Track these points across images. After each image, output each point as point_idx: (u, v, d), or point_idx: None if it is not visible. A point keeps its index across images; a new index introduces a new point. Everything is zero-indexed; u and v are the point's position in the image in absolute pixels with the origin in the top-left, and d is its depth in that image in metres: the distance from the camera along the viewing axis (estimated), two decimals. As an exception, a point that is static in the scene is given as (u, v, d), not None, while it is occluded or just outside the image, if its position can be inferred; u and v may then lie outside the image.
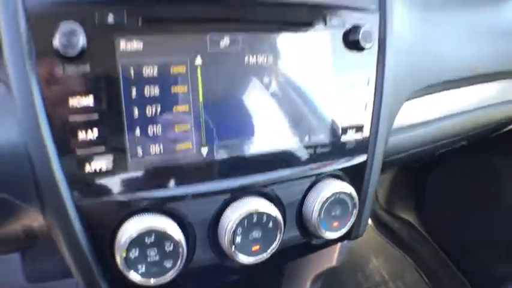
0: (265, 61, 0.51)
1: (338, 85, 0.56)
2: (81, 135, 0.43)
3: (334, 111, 0.56)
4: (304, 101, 0.54)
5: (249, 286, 0.75)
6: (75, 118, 0.43)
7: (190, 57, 0.47)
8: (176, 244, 0.47)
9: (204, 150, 0.49)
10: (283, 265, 0.74)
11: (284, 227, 0.54)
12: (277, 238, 0.54)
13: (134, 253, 0.46)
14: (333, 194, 0.56)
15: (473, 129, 0.88)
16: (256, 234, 0.52)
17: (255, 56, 0.50)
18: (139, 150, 0.46)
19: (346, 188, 0.57)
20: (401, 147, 0.72)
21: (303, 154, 0.55)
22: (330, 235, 0.58)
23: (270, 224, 0.52)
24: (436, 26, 0.72)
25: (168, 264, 0.48)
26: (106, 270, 0.49)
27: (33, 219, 0.48)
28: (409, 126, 0.72)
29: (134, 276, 0.47)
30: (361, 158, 0.60)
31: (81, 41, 0.41)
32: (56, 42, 0.40)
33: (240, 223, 0.50)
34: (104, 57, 0.43)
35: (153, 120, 0.46)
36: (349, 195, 0.57)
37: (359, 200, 0.60)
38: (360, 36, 0.54)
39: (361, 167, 0.60)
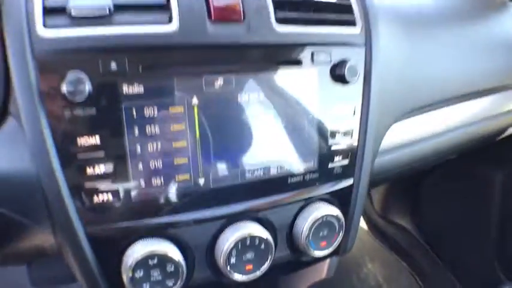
0: (257, 98, 0.55)
1: (325, 116, 0.60)
2: (89, 170, 0.48)
3: (322, 140, 0.60)
4: (294, 132, 0.58)
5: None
6: (83, 155, 0.47)
7: (187, 97, 0.51)
8: (177, 265, 0.52)
9: (201, 181, 0.54)
10: (275, 280, 0.79)
11: (275, 248, 0.59)
12: (269, 258, 0.58)
13: (139, 273, 0.51)
14: (320, 217, 0.60)
15: (462, 145, 0.91)
16: (249, 255, 0.56)
17: (247, 93, 0.54)
18: (142, 182, 0.51)
19: (333, 211, 0.61)
20: (389, 167, 0.76)
21: (293, 181, 0.59)
22: (318, 253, 0.62)
23: (262, 246, 0.57)
24: (423, 50, 0.75)
25: (169, 283, 0.53)
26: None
27: (45, 239, 0.53)
28: (396, 147, 0.75)
29: None
30: (347, 182, 0.64)
31: (87, 87, 0.45)
32: (64, 88, 0.44)
33: (235, 246, 0.55)
34: (109, 101, 0.47)
35: (154, 155, 0.50)
36: (336, 217, 0.62)
37: (346, 220, 0.64)
38: (346, 71, 0.58)
39: (347, 191, 0.64)
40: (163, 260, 0.51)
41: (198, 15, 0.50)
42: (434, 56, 0.77)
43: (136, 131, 0.49)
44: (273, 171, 0.58)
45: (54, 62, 0.45)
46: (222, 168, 0.54)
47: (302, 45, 0.57)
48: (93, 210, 0.49)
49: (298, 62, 0.57)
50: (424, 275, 1.39)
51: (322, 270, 0.75)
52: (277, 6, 0.55)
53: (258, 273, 0.58)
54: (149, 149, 0.50)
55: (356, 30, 0.61)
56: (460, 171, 1.29)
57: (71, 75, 0.44)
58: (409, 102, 0.73)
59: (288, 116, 0.57)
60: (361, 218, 1.60)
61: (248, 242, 0.55)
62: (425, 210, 1.42)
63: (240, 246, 0.55)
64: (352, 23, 0.61)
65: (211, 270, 0.58)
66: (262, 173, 0.57)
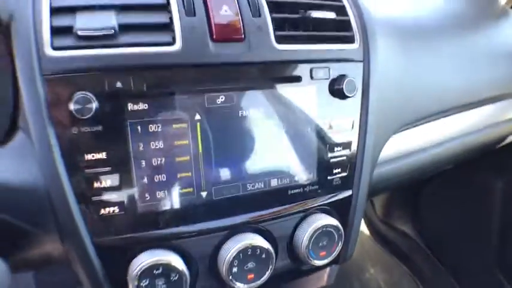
0: (258, 113, 0.57)
1: (325, 129, 0.62)
2: (96, 183, 0.50)
3: (322, 152, 0.62)
4: (294, 146, 0.60)
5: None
6: (90, 169, 0.50)
7: (190, 114, 0.53)
8: (180, 274, 0.54)
9: (204, 194, 0.56)
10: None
11: (276, 258, 0.61)
12: (270, 267, 0.60)
13: (145, 282, 0.52)
14: (320, 228, 0.62)
15: (461, 154, 0.92)
16: (251, 264, 0.58)
17: (248, 109, 0.56)
18: (147, 195, 0.53)
19: (333, 221, 0.63)
20: (388, 177, 0.77)
21: (293, 192, 0.61)
22: (318, 262, 0.64)
23: (263, 256, 0.58)
24: (421, 62, 0.76)
25: None
26: None
27: (53, 248, 0.55)
28: (395, 158, 0.76)
29: None
30: (346, 193, 0.66)
31: (94, 105, 0.47)
32: (72, 106, 0.47)
33: (237, 256, 0.57)
34: (114, 117, 0.50)
35: (158, 169, 0.52)
36: (335, 227, 0.63)
37: (345, 230, 0.65)
38: (344, 86, 0.60)
39: (346, 201, 0.66)
40: (168, 269, 0.53)
41: (201, 35, 0.52)
42: (432, 67, 0.78)
43: (141, 146, 0.51)
44: (274, 184, 0.60)
45: (61, 80, 0.47)
46: (224, 181, 0.56)
47: (301, 62, 0.58)
48: (100, 222, 0.51)
49: (297, 79, 0.58)
50: (425, 279, 1.40)
51: (323, 278, 0.76)
52: (277, 25, 0.57)
53: (260, 282, 0.60)
54: (153, 163, 0.52)
55: (354, 46, 0.63)
56: (460, 178, 1.30)
57: (78, 93, 0.47)
58: (407, 114, 0.74)
59: (288, 130, 0.59)
60: (363, 224, 1.62)
61: (249, 252, 0.57)
62: (427, 216, 1.43)
63: (241, 256, 0.57)
64: (350, 39, 0.63)
65: (214, 279, 0.60)
66: (263, 186, 0.59)
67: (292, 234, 0.63)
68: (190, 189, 0.55)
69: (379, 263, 1.44)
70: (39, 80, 0.47)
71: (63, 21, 0.49)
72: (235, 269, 0.57)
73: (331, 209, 0.65)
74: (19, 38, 0.47)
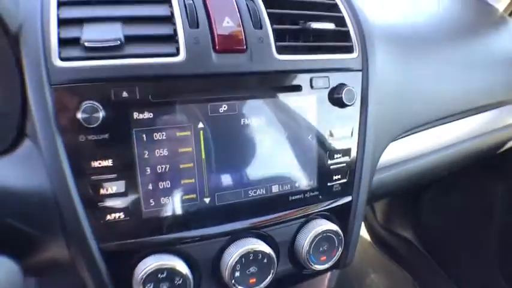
0: (259, 121, 0.58)
1: (324, 137, 0.63)
2: (102, 190, 0.52)
3: (322, 159, 0.63)
4: (294, 153, 0.61)
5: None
6: (96, 177, 0.51)
7: (193, 122, 0.54)
8: (184, 278, 0.55)
9: (207, 200, 0.57)
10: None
11: (277, 262, 0.62)
12: (271, 272, 0.61)
13: (149, 286, 0.54)
14: (320, 233, 0.63)
15: (460, 161, 0.93)
16: (252, 269, 0.59)
17: (250, 118, 0.58)
18: (152, 201, 0.54)
19: (333, 226, 0.64)
20: (388, 183, 0.78)
21: (294, 199, 0.63)
22: (319, 267, 0.65)
23: (265, 260, 0.60)
24: (420, 70, 0.77)
25: None
26: None
27: (59, 253, 0.56)
28: (394, 164, 0.78)
29: None
30: (346, 199, 0.67)
31: (101, 115, 0.49)
32: (79, 115, 0.48)
33: (239, 260, 0.58)
34: (120, 126, 0.51)
35: (162, 176, 0.54)
36: (336, 232, 0.64)
37: (345, 235, 0.66)
38: (344, 94, 0.61)
39: (346, 207, 0.67)
40: (172, 273, 0.54)
41: (204, 46, 0.54)
42: (430, 75, 0.79)
43: (146, 154, 0.53)
44: (275, 190, 0.61)
45: (69, 90, 0.49)
46: (226, 187, 0.58)
47: (301, 72, 0.60)
48: (106, 227, 0.53)
49: (298, 88, 0.60)
50: (426, 285, 1.40)
51: (324, 283, 0.77)
52: (278, 36, 0.59)
53: (261, 286, 0.61)
54: (158, 170, 0.54)
55: (353, 56, 0.64)
56: (461, 183, 1.31)
57: (86, 103, 0.48)
58: (405, 121, 0.75)
59: (289, 138, 0.60)
60: (365, 230, 1.62)
61: (251, 256, 0.58)
62: (428, 222, 1.44)
63: (244, 260, 0.58)
64: (349, 49, 0.65)
65: (217, 283, 0.61)
66: (264, 192, 0.60)
67: (293, 239, 0.64)
68: (194, 196, 0.56)
69: (380, 269, 1.44)
70: (47, 89, 0.48)
71: (70, 32, 0.50)
72: (237, 273, 0.58)
73: (331, 215, 0.66)
74: (28, 48, 0.49)
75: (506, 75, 0.92)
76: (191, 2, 0.56)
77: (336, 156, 0.64)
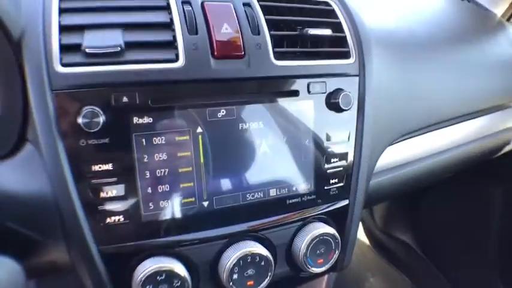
0: (257, 126, 0.59)
1: (321, 141, 0.64)
2: (102, 193, 0.52)
3: (319, 163, 0.64)
4: (292, 157, 0.62)
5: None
6: (96, 180, 0.52)
7: (192, 127, 0.55)
8: (183, 281, 0.56)
9: (205, 203, 0.58)
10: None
11: (275, 265, 0.62)
12: (269, 274, 0.61)
13: None
14: (317, 236, 0.63)
15: (457, 165, 0.93)
16: (250, 271, 0.60)
17: (248, 122, 0.58)
18: (151, 205, 0.55)
19: (330, 230, 0.65)
20: (385, 187, 0.79)
21: (291, 202, 0.63)
22: (316, 270, 0.66)
23: (262, 263, 0.60)
24: (416, 74, 0.78)
25: None
26: None
27: (60, 256, 0.57)
28: (391, 168, 0.78)
29: None
30: (343, 203, 0.68)
31: (101, 119, 0.50)
32: (80, 120, 0.49)
33: (237, 263, 0.58)
34: (120, 130, 0.52)
35: (162, 180, 0.55)
36: (332, 235, 0.65)
37: (342, 238, 0.67)
38: (340, 99, 0.62)
39: (343, 211, 0.68)
40: (171, 275, 0.55)
41: (202, 52, 0.55)
42: (427, 79, 0.79)
43: (146, 158, 0.53)
44: (273, 193, 0.62)
45: (70, 95, 0.50)
46: (224, 191, 0.59)
47: (299, 77, 0.61)
48: (106, 230, 0.53)
49: (295, 93, 0.61)
50: (425, 288, 1.40)
51: (321, 286, 0.78)
52: (276, 42, 0.60)
53: (259, 288, 0.62)
54: (157, 174, 0.54)
55: (350, 61, 0.65)
56: (459, 187, 1.31)
57: (87, 108, 0.49)
58: (402, 126, 0.76)
59: (286, 142, 0.61)
60: (364, 233, 1.63)
61: (249, 259, 0.59)
62: (426, 225, 1.44)
63: (241, 263, 0.59)
64: (346, 54, 0.65)
65: (215, 285, 0.62)
66: (262, 195, 0.61)
67: (290, 242, 0.65)
68: (192, 199, 0.57)
69: (379, 272, 1.45)
70: (48, 95, 0.49)
71: (72, 39, 0.51)
72: (235, 276, 0.59)
73: (328, 218, 0.67)
74: (29, 54, 0.50)
75: (503, 81, 0.93)
76: (190, 8, 0.57)
77: (333, 160, 0.65)
